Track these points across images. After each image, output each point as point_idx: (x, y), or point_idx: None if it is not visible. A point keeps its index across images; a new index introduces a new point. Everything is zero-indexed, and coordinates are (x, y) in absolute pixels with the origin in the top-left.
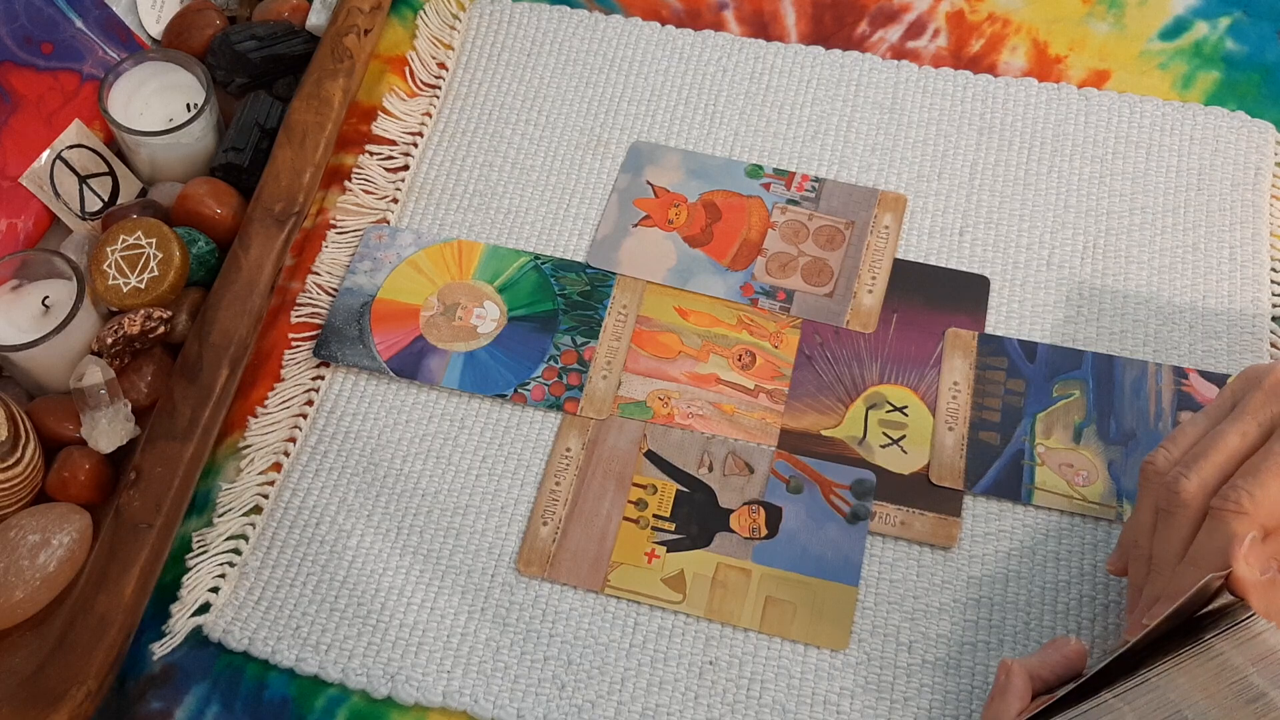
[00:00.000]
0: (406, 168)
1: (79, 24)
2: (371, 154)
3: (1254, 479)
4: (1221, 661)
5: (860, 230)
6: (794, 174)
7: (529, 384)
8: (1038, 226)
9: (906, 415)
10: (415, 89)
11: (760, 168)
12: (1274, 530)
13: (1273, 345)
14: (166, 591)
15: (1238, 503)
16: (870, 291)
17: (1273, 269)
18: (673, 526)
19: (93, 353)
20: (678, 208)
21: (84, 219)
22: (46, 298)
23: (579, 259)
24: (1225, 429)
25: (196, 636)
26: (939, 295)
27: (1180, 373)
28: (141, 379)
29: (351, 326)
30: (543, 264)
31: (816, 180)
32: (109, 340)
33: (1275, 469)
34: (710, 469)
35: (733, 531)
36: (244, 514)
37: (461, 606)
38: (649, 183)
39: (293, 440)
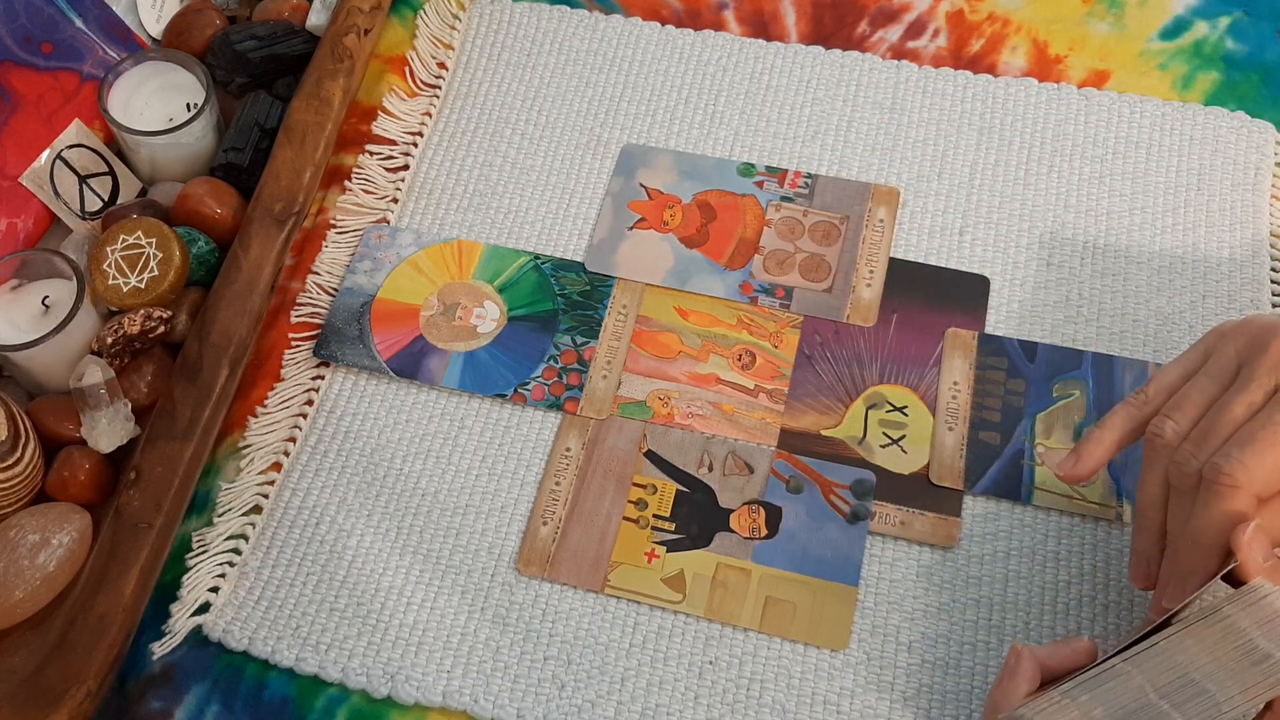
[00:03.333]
0: (406, 167)
1: (79, 24)
2: (371, 154)
3: (1250, 448)
4: (1228, 625)
5: (855, 224)
6: (786, 171)
7: (529, 384)
8: (1038, 226)
9: (906, 415)
10: (415, 89)
11: (752, 166)
12: (1269, 498)
13: None
14: (166, 591)
15: (1231, 475)
16: (869, 285)
17: (1273, 269)
18: (673, 526)
19: (93, 353)
20: (672, 209)
21: (84, 219)
22: (46, 297)
23: (579, 259)
24: (1232, 401)
25: (196, 636)
26: (939, 295)
27: None
28: (141, 379)
29: (351, 326)
30: (543, 264)
31: (809, 176)
32: (109, 340)
33: (1271, 438)
34: (710, 469)
35: (733, 531)
36: (244, 514)
37: (461, 606)
38: (642, 185)
39: (293, 440)
